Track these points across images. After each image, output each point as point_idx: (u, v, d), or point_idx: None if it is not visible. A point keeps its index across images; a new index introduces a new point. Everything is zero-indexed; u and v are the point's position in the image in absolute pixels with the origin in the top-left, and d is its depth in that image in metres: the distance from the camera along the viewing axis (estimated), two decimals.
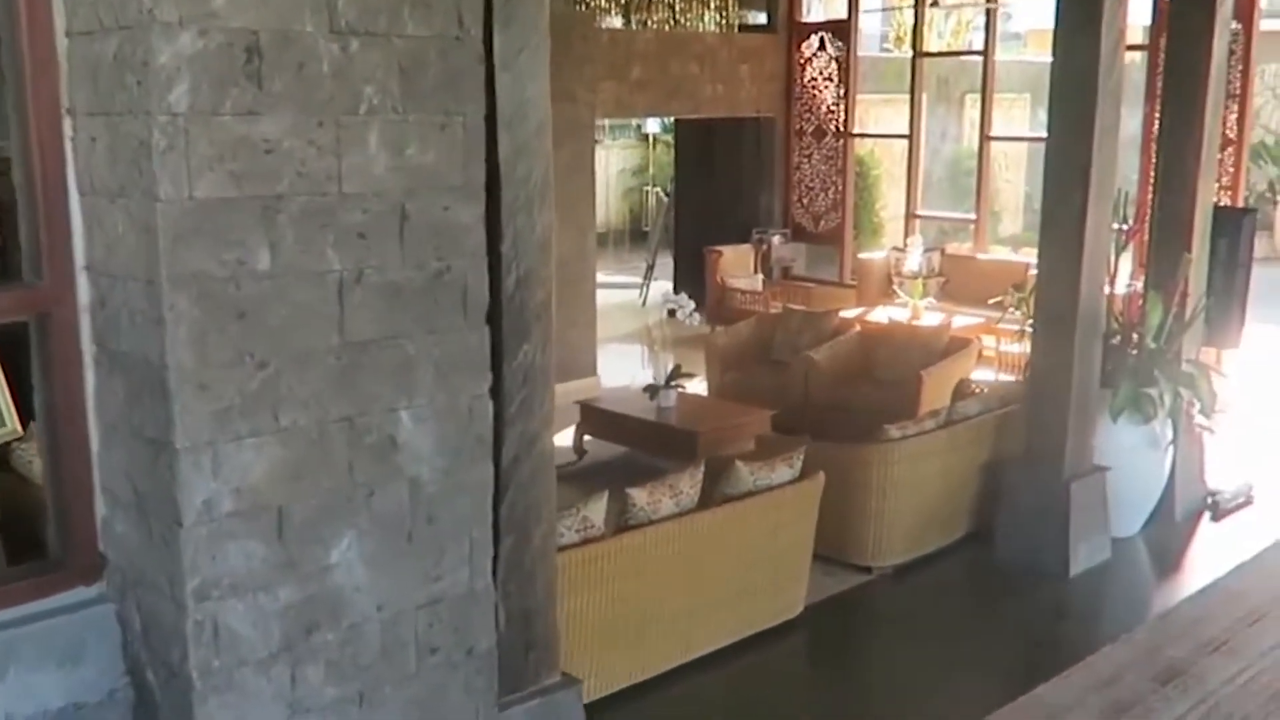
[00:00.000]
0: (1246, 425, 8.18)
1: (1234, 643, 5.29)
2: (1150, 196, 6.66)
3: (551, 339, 3.96)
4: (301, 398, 3.21)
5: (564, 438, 8.35)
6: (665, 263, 14.35)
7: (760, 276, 12.68)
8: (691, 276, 13.05)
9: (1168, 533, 6.81)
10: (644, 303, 14.42)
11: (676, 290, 13.29)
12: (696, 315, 8.12)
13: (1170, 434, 6.47)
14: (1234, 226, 6.99)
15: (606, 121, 18.99)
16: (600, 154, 20.03)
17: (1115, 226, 6.38)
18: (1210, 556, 6.54)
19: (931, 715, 4.89)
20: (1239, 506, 7.19)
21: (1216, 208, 7.11)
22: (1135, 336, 6.46)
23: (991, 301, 10.63)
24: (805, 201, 13.65)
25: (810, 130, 13.52)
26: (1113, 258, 6.37)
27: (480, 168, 3.52)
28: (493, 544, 3.71)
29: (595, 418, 8.17)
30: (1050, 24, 5.97)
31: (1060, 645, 5.42)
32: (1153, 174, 7.03)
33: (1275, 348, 10.48)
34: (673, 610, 5.02)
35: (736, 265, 12.56)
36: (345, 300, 3.26)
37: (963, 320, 10.52)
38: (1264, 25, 10.71)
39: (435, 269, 3.44)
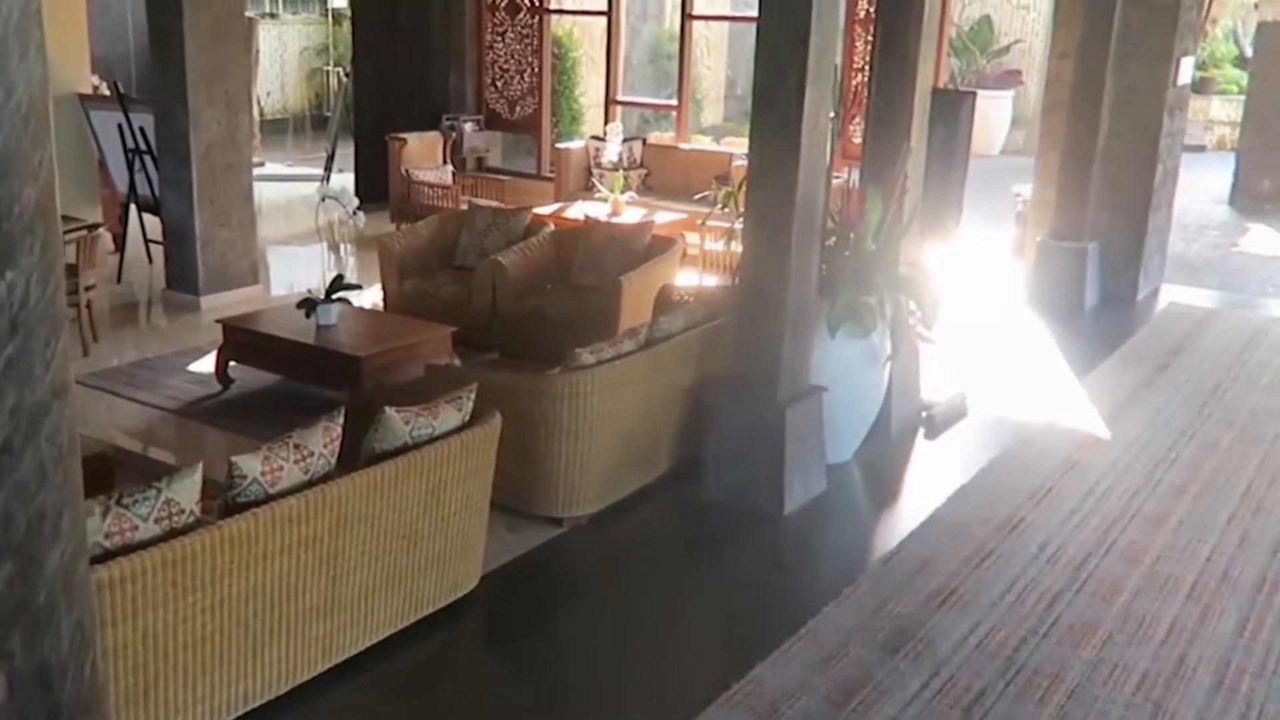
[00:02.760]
0: (952, 327, 7.78)
1: (962, 591, 4.71)
2: (863, 82, 5.91)
3: (60, 259, 2.63)
4: None
5: (209, 363, 6.99)
6: (349, 152, 12.76)
7: (450, 169, 11.39)
8: (375, 168, 11.59)
9: (883, 455, 6.25)
10: (323, 199, 12.83)
11: (359, 186, 11.84)
12: (360, 213, 6.83)
13: (889, 347, 5.83)
14: (953, 111, 6.38)
15: None
16: (275, 30, 17.89)
17: (830, 114, 5.59)
18: (929, 481, 6.02)
19: (631, 711, 4.03)
20: (953, 420, 6.73)
21: (935, 90, 6.47)
22: (852, 238, 5.73)
23: (696, 197, 9.88)
24: (500, 85, 12.40)
25: (503, 5, 12.21)
26: (828, 148, 5.58)
27: None
28: None
29: (241, 340, 6.79)
30: None
31: (778, 605, 4.69)
32: (870, 56, 6.26)
33: (980, 242, 10.29)
34: (306, 608, 3.88)
35: (423, 155, 11.21)
36: None
37: (666, 217, 9.70)
38: None
39: None
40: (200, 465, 3.60)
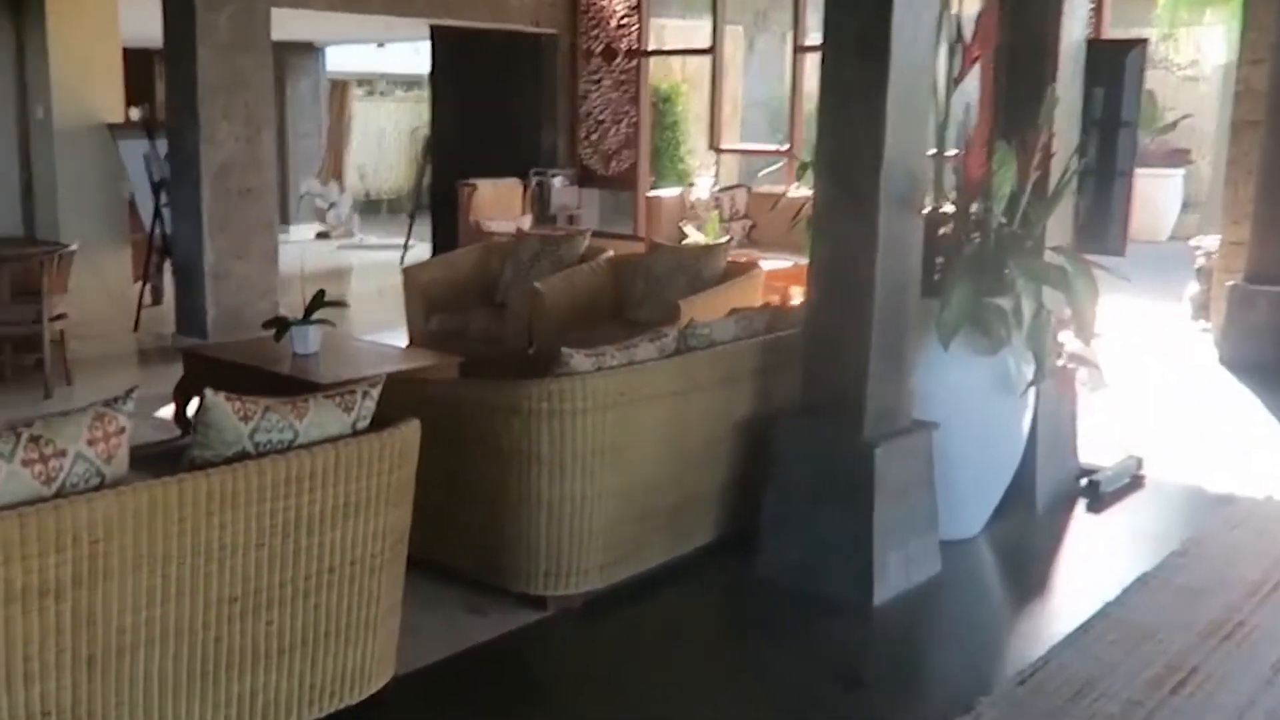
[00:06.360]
0: (1122, 377, 5.96)
1: None
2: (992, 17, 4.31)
3: None
4: None
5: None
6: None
7: (529, 218, 10.11)
8: (449, 220, 10.42)
9: (1026, 530, 4.50)
10: (403, 260, 11.73)
11: (434, 240, 10.68)
12: (354, 219, 5.49)
13: (1031, 371, 4.11)
14: (1116, 66, 4.71)
15: (382, 73, 16.25)
16: (388, 107, 17.23)
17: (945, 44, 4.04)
18: (1093, 567, 4.24)
19: None
20: (1126, 490, 4.91)
21: (1091, 42, 4.83)
22: (973, 212, 4.09)
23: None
24: (594, 138, 11.15)
25: (599, 50, 11.03)
26: (941, 87, 4.00)
27: None
28: None
29: (203, 372, 5.45)
30: None
31: None
32: None
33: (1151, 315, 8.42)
34: (33, 710, 2.38)
35: (497, 204, 9.97)
36: None
37: (771, 264, 8.14)
38: None
39: None
40: None
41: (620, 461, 3.64)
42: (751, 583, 3.94)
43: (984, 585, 4.22)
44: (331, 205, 5.13)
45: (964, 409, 4.04)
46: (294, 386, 5.06)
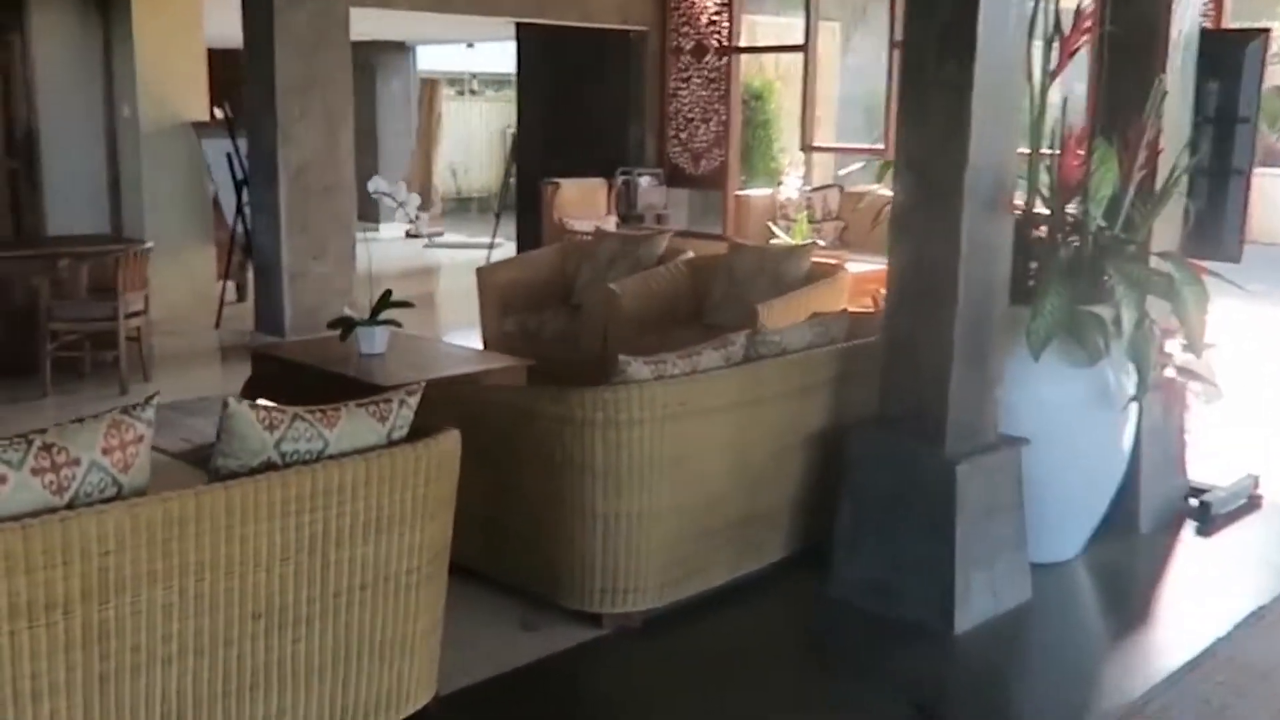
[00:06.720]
0: (1238, 381, 5.53)
1: None
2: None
3: None
4: None
5: None
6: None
7: (614, 219, 9.94)
8: (533, 219, 10.32)
9: (1127, 555, 4.18)
10: (488, 259, 11.67)
11: (519, 239, 10.58)
12: (422, 216, 5.38)
13: (1133, 385, 3.79)
14: (1232, 59, 4.34)
15: (473, 73, 16.24)
16: (478, 106, 17.25)
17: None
18: (1202, 598, 3.89)
19: None
20: (1241, 513, 4.53)
21: (1207, 32, 4.48)
22: (1072, 214, 3.78)
23: None
24: (683, 137, 10.93)
25: (689, 48, 10.81)
26: (1038, 77, 3.70)
27: None
28: None
29: (271, 372, 5.40)
30: None
31: None
32: None
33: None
34: None
35: (581, 203, 9.82)
36: None
37: (861, 267, 7.84)
38: None
39: None
40: None
41: (681, 475, 3.43)
42: (823, 604, 3.69)
43: (1079, 613, 3.91)
44: (400, 204, 5.03)
45: (1058, 424, 3.74)
46: (356, 388, 4.96)
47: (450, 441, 2.80)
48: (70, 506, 2.28)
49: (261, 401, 2.56)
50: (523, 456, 3.43)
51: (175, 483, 2.46)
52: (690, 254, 6.33)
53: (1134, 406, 3.86)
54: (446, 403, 3.47)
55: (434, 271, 11.40)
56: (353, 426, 2.66)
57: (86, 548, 2.25)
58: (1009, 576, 3.65)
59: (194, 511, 2.37)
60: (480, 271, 6.54)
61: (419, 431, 2.78)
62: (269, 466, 2.52)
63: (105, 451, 2.34)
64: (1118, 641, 3.76)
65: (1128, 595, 4.03)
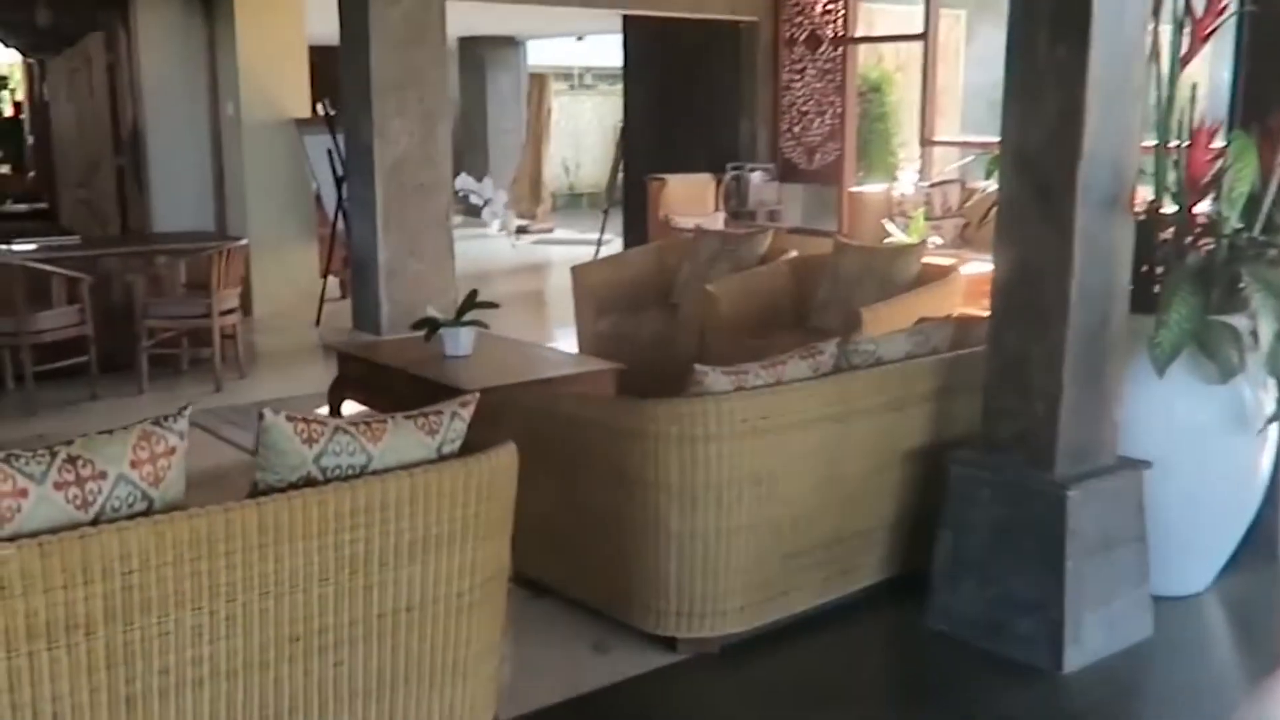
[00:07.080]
0: None
1: None
2: None
3: None
4: None
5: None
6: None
7: (722, 215, 9.70)
8: (640, 215, 10.14)
9: (1264, 589, 3.78)
10: (596, 255, 11.55)
11: (626, 235, 10.41)
12: (508, 215, 5.21)
13: (1272, 403, 3.41)
14: None
15: (584, 67, 16.14)
16: (590, 102, 17.16)
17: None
18: None
19: None
20: None
21: None
22: (1203, 217, 3.42)
23: None
24: (796, 130, 10.62)
25: (803, 38, 10.49)
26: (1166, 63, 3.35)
27: None
28: None
29: (356, 373, 5.31)
30: None
31: None
32: None
33: None
34: None
35: (688, 200, 9.60)
36: None
37: (983, 267, 7.45)
38: None
39: None
40: None
41: (763, 493, 3.19)
42: (921, 636, 3.41)
43: (1206, 652, 3.55)
44: (486, 202, 4.94)
45: (1185, 445, 3.39)
46: (439, 390, 4.84)
47: (506, 456, 2.61)
48: (95, 522, 2.16)
49: (343, 406, 2.40)
50: (594, 470, 3.24)
51: (215, 498, 2.33)
52: (794, 253, 6.06)
53: (1274, 427, 3.48)
54: (513, 412, 3.30)
55: (541, 269, 11.31)
56: (399, 440, 2.49)
57: (109, 566, 2.11)
58: (1127, 612, 3.32)
59: (224, 530, 2.23)
60: (575, 270, 6.37)
61: (472, 445, 2.60)
62: (308, 482, 2.37)
63: (134, 465, 2.21)
64: (1249, 684, 3.40)
65: (1262, 633, 3.65)
